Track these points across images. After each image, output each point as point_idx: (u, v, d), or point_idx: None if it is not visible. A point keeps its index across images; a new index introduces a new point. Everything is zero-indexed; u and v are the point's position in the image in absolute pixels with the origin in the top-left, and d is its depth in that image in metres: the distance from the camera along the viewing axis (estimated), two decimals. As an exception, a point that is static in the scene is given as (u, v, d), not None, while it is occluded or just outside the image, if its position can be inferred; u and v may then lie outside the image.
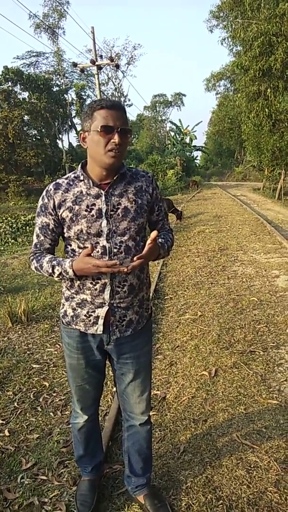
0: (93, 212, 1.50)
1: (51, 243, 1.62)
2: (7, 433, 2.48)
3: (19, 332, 4.08)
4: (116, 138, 1.41)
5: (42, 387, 3.02)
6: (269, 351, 3.41)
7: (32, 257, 1.63)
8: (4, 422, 2.62)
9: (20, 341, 3.87)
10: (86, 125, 1.47)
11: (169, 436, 2.40)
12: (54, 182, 1.57)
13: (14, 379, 3.14)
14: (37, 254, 1.62)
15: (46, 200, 1.55)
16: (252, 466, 2.13)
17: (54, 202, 1.52)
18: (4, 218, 13.36)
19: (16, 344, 3.81)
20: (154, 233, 1.43)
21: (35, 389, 2.99)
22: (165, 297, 5.01)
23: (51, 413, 2.69)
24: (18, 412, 2.71)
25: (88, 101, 31.69)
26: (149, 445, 1.88)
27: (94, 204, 1.50)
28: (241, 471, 2.09)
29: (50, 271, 1.54)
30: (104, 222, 1.50)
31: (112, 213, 1.51)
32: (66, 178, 1.57)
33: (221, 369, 3.14)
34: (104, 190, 1.52)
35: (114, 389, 2.67)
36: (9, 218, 12.24)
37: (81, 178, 1.54)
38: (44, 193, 1.57)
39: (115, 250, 1.51)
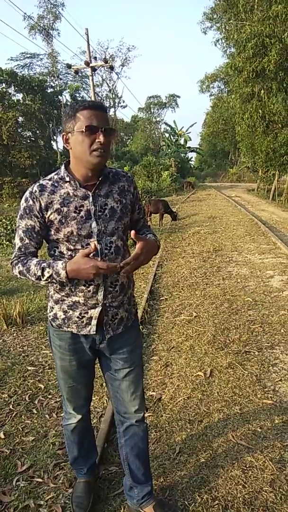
0: (82, 213, 1.49)
1: (36, 246, 1.57)
2: (2, 436, 2.47)
3: (14, 335, 4.07)
4: (101, 138, 1.42)
5: (37, 389, 3.01)
6: (264, 351, 3.42)
7: (16, 261, 1.55)
8: (-1, 424, 2.61)
9: (15, 343, 3.86)
10: (69, 126, 1.46)
11: (164, 437, 2.40)
12: (37, 184, 1.52)
13: (9, 382, 3.13)
14: (21, 258, 1.55)
15: (31, 202, 1.50)
16: (247, 466, 2.14)
17: (40, 204, 1.48)
18: (-2, 220, 13.28)
19: (11, 346, 3.79)
20: (133, 232, 1.41)
21: (30, 391, 2.98)
22: (160, 298, 5.01)
23: (47, 415, 2.68)
24: (13, 415, 2.70)
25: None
26: (147, 447, 1.86)
27: (82, 206, 1.50)
28: (236, 471, 2.10)
29: (39, 273, 1.47)
30: (94, 223, 1.50)
31: (100, 213, 1.52)
32: (49, 179, 1.54)
33: (216, 369, 3.15)
34: (91, 191, 1.52)
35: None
36: (3, 220, 12.11)
37: (67, 179, 1.52)
38: (27, 194, 1.52)
39: (106, 251, 1.52)
